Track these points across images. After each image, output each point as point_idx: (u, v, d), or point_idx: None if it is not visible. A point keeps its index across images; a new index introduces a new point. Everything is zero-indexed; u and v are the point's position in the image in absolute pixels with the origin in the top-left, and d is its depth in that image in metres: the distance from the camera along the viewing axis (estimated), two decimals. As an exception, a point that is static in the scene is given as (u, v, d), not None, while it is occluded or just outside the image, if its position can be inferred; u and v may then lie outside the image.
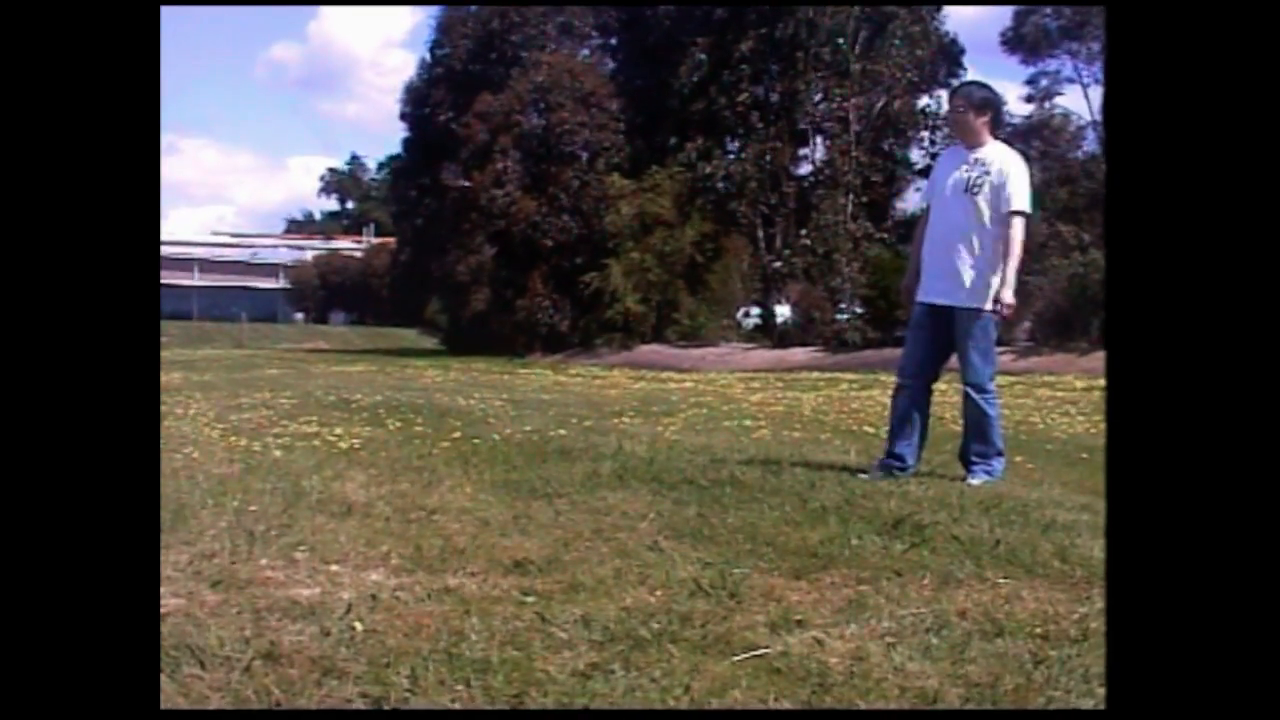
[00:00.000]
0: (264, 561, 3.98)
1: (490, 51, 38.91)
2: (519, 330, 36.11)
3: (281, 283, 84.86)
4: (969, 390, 6.22)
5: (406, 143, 43.48)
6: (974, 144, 6.20)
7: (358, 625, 3.13)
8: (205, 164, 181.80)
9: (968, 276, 6.10)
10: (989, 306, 6.07)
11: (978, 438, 6.24)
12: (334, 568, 3.91)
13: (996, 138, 6.31)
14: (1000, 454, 6.30)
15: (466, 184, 37.49)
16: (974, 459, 6.23)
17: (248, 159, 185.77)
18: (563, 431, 8.90)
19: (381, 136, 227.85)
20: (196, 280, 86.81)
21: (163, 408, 10.52)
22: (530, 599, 3.47)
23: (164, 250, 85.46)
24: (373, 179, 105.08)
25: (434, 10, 45.41)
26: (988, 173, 6.07)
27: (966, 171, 6.14)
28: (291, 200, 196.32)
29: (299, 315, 78.86)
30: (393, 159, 50.87)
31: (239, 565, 3.91)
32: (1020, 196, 6.04)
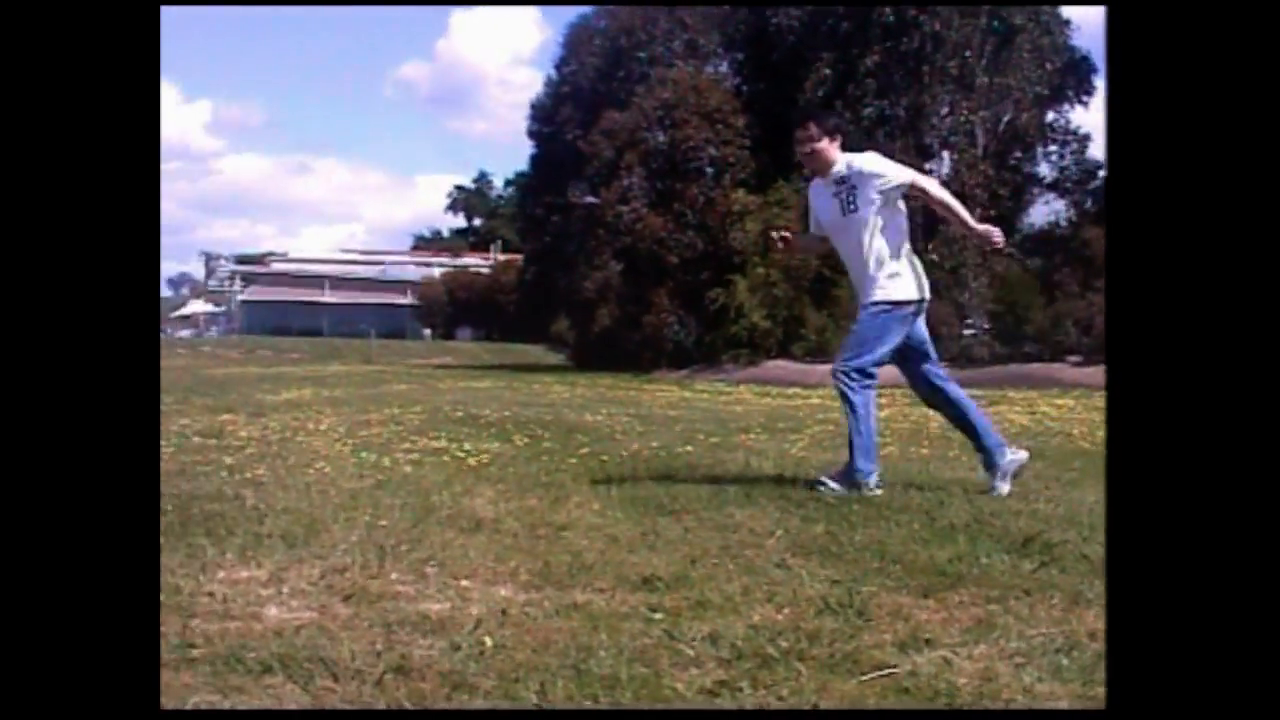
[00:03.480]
0: (394, 576, 4.04)
1: (617, 69, 39.05)
2: (645, 346, 36.05)
3: (410, 299, 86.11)
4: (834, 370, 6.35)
5: (533, 160, 43.80)
6: (828, 169, 6.33)
7: (487, 640, 3.16)
8: (336, 183, 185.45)
9: (879, 278, 6.29)
10: (891, 298, 6.29)
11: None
12: (463, 583, 3.96)
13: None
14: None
15: (593, 201, 37.61)
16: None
17: (377, 177, 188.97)
18: (689, 448, 8.92)
19: (509, 154, 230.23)
20: (327, 297, 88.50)
21: (294, 423, 10.74)
22: (658, 616, 3.47)
23: (296, 267, 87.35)
24: (499, 196, 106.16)
25: (561, 28, 45.68)
26: (854, 186, 6.21)
27: (835, 196, 6.30)
28: (419, 218, 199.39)
29: (427, 331, 79.88)
30: (520, 176, 51.27)
31: (370, 579, 3.97)
32: (896, 171, 6.24)
